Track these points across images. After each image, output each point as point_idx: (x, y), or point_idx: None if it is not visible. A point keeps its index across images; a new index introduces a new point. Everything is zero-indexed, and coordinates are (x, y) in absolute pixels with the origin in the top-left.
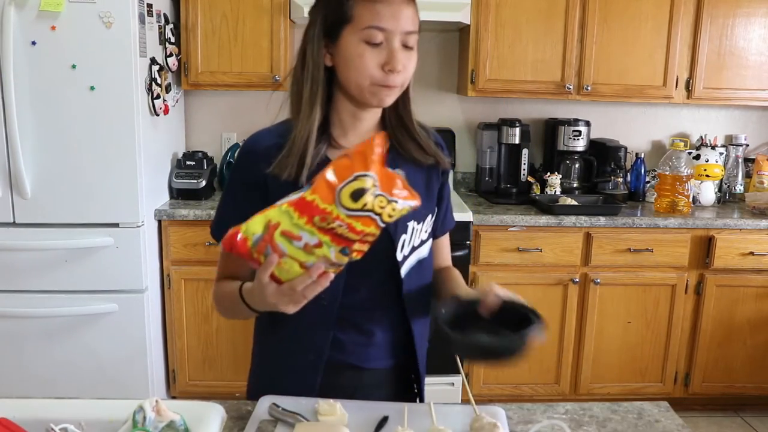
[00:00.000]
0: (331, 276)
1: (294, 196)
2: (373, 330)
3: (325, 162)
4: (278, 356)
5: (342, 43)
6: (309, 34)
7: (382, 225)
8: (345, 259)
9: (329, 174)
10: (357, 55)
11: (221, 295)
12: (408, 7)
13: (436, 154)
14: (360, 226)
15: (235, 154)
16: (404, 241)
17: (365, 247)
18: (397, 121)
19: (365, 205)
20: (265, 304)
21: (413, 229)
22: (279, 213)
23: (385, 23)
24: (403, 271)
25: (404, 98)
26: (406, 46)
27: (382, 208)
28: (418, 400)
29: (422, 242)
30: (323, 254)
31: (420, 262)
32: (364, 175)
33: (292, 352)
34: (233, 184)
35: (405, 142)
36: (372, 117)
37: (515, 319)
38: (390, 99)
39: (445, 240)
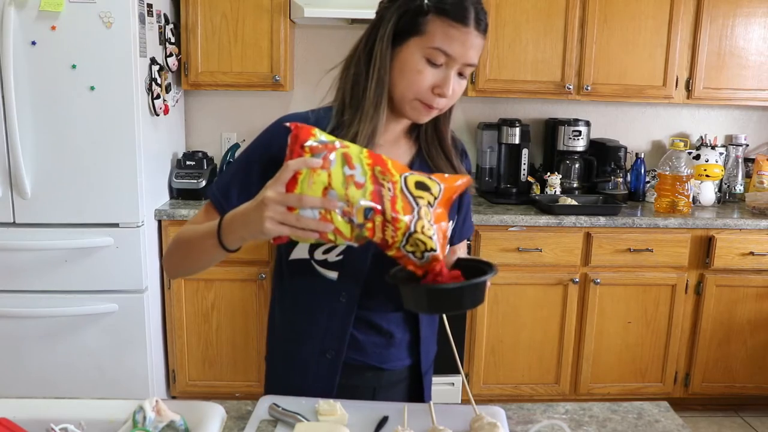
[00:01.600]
0: (326, 229)
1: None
2: (392, 331)
3: None
4: (296, 357)
5: (404, 52)
6: (380, 32)
7: (410, 229)
8: (358, 223)
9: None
10: (416, 70)
11: (185, 233)
12: (479, 39)
13: (455, 165)
14: (399, 206)
15: (243, 142)
16: None
17: (379, 234)
18: (433, 133)
19: (419, 198)
20: (251, 216)
21: None
22: (352, 144)
23: (453, 50)
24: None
25: (447, 114)
26: (461, 74)
27: (427, 218)
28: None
29: None
30: (354, 197)
31: None
32: (436, 182)
33: (310, 353)
34: (251, 156)
35: (436, 156)
36: (406, 121)
37: (472, 274)
38: (426, 119)
39: (460, 248)
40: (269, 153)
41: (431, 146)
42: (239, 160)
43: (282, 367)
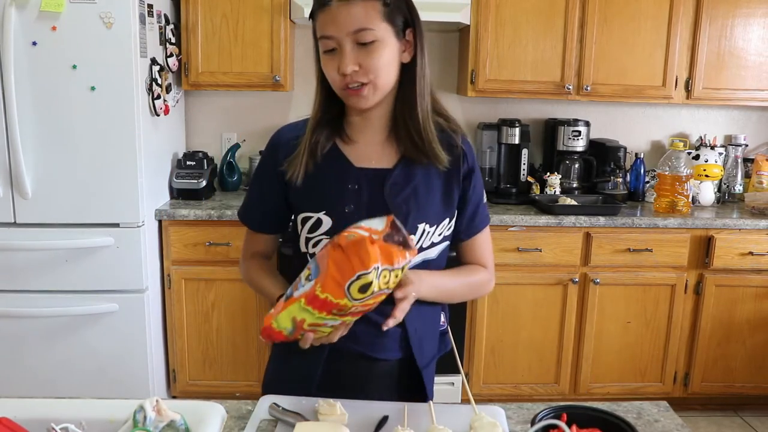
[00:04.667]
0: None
1: (306, 288)
2: (380, 322)
3: (334, 152)
4: (289, 346)
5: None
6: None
7: (391, 291)
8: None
9: (333, 270)
10: (324, 65)
11: (255, 285)
12: (347, 7)
13: (429, 153)
14: (373, 301)
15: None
16: None
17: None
18: (401, 116)
19: (374, 292)
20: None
21: (424, 231)
22: (300, 309)
23: (328, 30)
24: (406, 269)
25: (410, 100)
26: (363, 44)
27: (386, 282)
28: (428, 398)
29: (433, 244)
30: (349, 322)
31: (425, 263)
32: (366, 273)
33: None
34: (258, 173)
35: (403, 138)
36: (376, 113)
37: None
38: (364, 102)
39: (477, 240)
40: (270, 165)
41: (401, 126)
42: (251, 181)
43: (278, 358)
